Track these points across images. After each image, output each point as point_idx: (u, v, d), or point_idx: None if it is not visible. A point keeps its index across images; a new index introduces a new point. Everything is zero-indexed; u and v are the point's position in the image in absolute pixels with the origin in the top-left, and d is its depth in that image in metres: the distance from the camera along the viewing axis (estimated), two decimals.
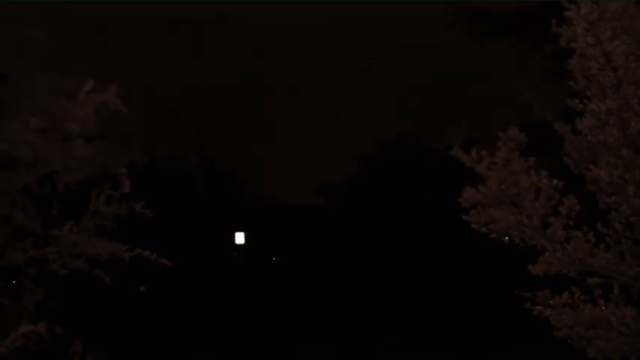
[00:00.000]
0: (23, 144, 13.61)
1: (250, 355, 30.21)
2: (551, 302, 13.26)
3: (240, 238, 34.70)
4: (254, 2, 35.62)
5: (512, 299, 13.93)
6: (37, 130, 13.72)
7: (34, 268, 13.77)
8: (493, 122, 20.91)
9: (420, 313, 30.59)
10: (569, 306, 13.20)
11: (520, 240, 13.39)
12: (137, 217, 14.27)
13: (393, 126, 35.54)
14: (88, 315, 24.74)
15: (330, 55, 38.43)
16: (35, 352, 13.78)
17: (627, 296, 13.18)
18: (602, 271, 13.19)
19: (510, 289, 14.17)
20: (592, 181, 13.38)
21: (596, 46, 12.97)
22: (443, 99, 34.70)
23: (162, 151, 33.74)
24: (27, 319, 13.41)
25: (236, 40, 41.41)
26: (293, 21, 36.48)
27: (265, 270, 33.83)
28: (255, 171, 35.41)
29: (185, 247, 29.17)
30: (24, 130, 13.61)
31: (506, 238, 13.55)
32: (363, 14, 35.94)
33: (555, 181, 13.34)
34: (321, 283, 32.52)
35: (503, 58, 29.02)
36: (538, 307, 13.36)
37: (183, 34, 37.71)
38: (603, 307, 13.06)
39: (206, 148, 35.03)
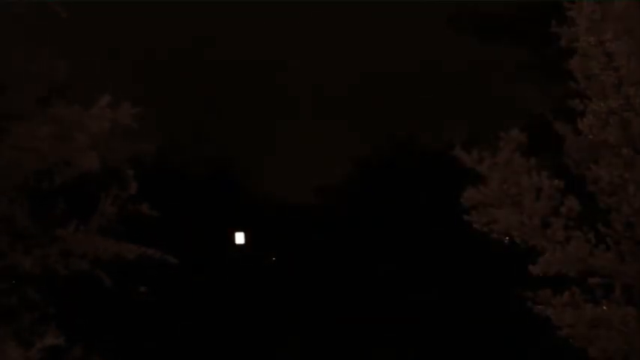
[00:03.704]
0: (30, 151, 13.41)
1: (250, 356, 30.22)
2: (552, 302, 13.27)
3: (240, 238, 34.63)
4: (254, 2, 35.60)
5: (512, 299, 13.93)
6: (45, 137, 13.46)
7: (37, 270, 13.60)
8: (493, 122, 20.88)
9: (420, 313, 30.57)
10: (570, 305, 13.20)
11: (521, 240, 13.41)
12: (136, 217, 14.18)
13: (393, 126, 35.47)
14: (90, 317, 24.70)
15: (329, 54, 38.42)
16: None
17: (629, 296, 13.19)
18: (603, 271, 13.20)
19: (510, 289, 14.18)
20: (592, 181, 13.40)
21: (598, 46, 12.99)
22: (443, 99, 34.65)
23: (161, 150, 33.70)
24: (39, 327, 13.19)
25: (236, 40, 41.42)
26: (292, 21, 36.48)
27: (265, 270, 33.79)
28: (255, 171, 35.31)
29: (185, 248, 29.14)
30: (32, 137, 13.39)
31: (507, 237, 13.58)
32: (363, 14, 35.96)
33: (556, 182, 13.37)
34: (321, 283, 32.49)
35: (503, 59, 28.95)
36: (539, 306, 13.37)
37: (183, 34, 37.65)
38: (604, 307, 13.08)
39: (206, 148, 34.99)
